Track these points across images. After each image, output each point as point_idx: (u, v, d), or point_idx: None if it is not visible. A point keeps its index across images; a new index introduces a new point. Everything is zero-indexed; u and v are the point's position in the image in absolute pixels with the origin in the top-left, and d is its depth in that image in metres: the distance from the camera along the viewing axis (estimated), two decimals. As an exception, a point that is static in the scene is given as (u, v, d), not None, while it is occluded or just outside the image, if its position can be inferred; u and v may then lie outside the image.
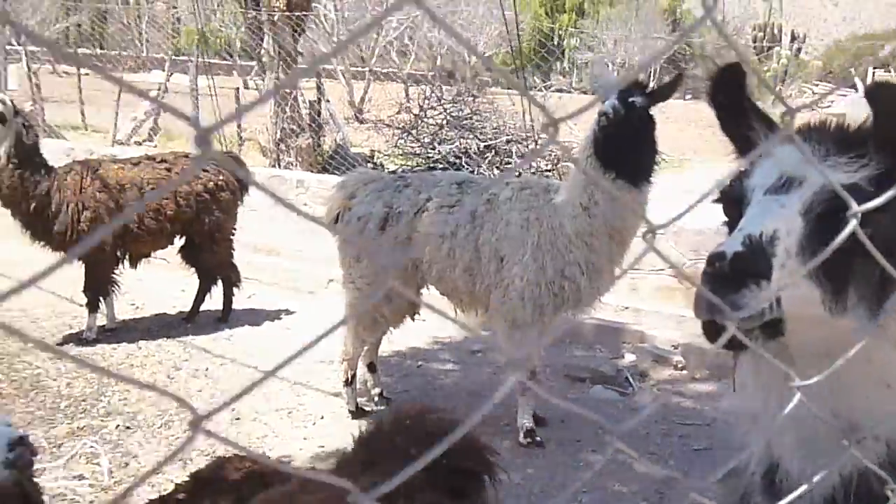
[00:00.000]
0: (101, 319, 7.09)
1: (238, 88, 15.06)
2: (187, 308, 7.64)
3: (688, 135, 19.01)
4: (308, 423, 5.74)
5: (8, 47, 12.64)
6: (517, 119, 13.61)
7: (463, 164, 12.20)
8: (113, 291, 7.12)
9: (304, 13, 12.13)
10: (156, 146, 14.65)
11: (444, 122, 13.93)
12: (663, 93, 4.91)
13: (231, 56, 18.71)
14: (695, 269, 7.06)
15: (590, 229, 5.06)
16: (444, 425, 3.10)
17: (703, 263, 1.37)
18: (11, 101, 6.26)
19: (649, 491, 4.95)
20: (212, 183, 7.20)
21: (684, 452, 5.47)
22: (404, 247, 5.42)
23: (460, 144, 13.03)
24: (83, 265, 6.87)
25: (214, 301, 7.61)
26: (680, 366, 6.80)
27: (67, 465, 5.00)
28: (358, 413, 5.80)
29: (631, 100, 4.84)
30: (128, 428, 5.56)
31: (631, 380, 6.61)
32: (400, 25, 18.84)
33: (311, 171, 11.31)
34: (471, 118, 13.63)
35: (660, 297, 7.45)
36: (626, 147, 4.88)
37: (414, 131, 13.75)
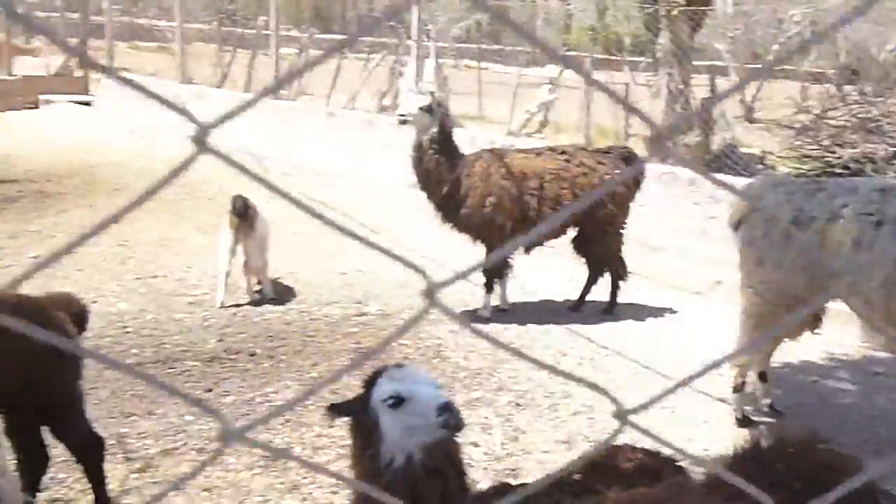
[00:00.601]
0: (494, 300, 7.52)
1: (627, 84, 15.13)
2: (573, 297, 7.86)
3: None
4: (691, 425, 5.65)
5: (424, 44, 13.77)
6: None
7: (867, 170, 11.24)
8: (507, 275, 7.52)
9: (705, 8, 11.87)
10: (544, 137, 15.20)
11: (848, 123, 12.95)
12: None
13: (620, 51, 18.79)
14: None
15: None
16: (835, 462, 2.85)
17: None
18: (437, 93, 6.83)
19: None
20: (608, 176, 7.33)
21: None
22: (812, 254, 5.12)
23: (864, 149, 12.02)
24: (484, 248, 7.32)
25: (600, 293, 7.75)
26: None
27: (464, 431, 5.36)
28: (744, 422, 5.60)
29: None
30: (517, 405, 5.85)
31: None
32: (804, 18, 17.76)
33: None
34: (879, 121, 12.52)
35: None
36: None
37: (812, 133, 12.93)
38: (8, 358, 3.71)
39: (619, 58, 19.08)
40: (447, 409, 2.79)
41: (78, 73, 19.44)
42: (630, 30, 21.57)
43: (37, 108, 18.46)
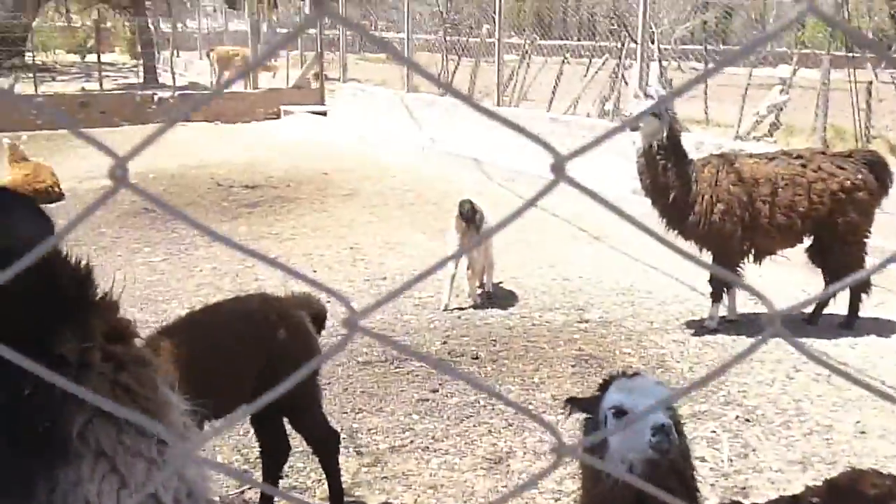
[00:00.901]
0: (722, 310, 7.24)
1: (871, 82, 14.10)
2: (808, 309, 7.42)
3: None
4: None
5: (649, 46, 13.52)
6: None
7: None
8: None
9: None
10: (775, 141, 14.47)
11: None
12: None
13: (862, 48, 17.54)
14: None
15: None
16: None
17: None
18: (664, 95, 6.67)
19: None
20: (849, 182, 6.86)
21: None
22: None
23: None
24: (711, 256, 7.06)
25: (838, 306, 7.27)
26: None
27: (690, 446, 5.20)
28: None
29: None
30: (747, 420, 5.61)
31: None
32: None
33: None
34: None
35: None
36: None
37: None
38: (254, 353, 4.00)
39: (859, 54, 17.86)
40: (662, 430, 2.70)
41: (314, 84, 20.61)
42: (873, 24, 20.18)
43: (278, 118, 19.78)
